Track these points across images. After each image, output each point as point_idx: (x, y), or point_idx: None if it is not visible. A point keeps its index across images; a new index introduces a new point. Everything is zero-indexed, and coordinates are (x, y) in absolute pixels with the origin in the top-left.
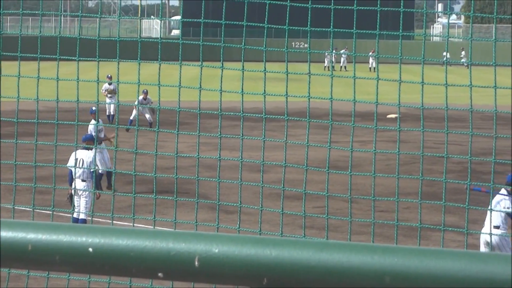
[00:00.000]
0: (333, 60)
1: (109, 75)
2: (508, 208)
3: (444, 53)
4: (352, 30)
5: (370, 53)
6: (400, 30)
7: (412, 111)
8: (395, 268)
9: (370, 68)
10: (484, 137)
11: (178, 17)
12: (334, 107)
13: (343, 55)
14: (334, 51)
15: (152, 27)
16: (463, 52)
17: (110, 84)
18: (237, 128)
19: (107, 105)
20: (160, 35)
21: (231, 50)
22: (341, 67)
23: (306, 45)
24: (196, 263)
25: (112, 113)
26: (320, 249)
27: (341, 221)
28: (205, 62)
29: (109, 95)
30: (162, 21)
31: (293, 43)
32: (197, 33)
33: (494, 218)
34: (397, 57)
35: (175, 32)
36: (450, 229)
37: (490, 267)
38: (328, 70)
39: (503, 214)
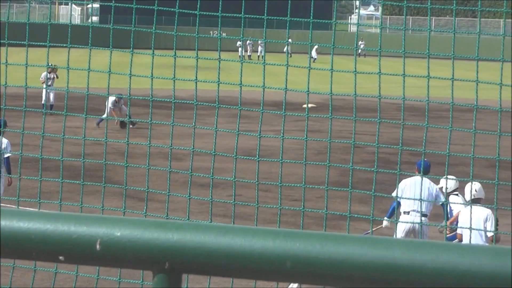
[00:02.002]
0: (249, 49)
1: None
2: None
3: (360, 43)
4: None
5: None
6: (312, 18)
7: (327, 101)
8: (296, 252)
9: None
10: (400, 128)
11: (97, 4)
12: (251, 96)
13: (261, 45)
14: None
15: (70, 14)
16: (361, 42)
17: (50, 72)
18: (155, 116)
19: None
20: (87, 22)
21: (147, 38)
22: (258, 56)
23: (224, 34)
24: (98, 246)
25: (52, 102)
26: (223, 234)
27: (252, 209)
28: (119, 49)
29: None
30: (80, 8)
31: (211, 32)
32: (115, 20)
33: (423, 206)
34: (326, 47)
35: (94, 18)
36: (356, 215)
37: (390, 252)
38: (248, 58)
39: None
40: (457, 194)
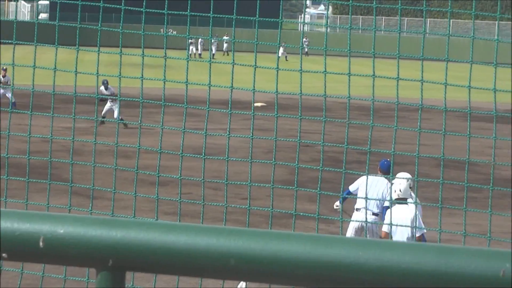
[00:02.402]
0: (200, 47)
1: (4, 67)
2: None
3: (304, 40)
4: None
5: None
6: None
7: (278, 100)
8: (240, 250)
9: (284, 57)
10: (351, 127)
11: (46, 2)
12: (202, 94)
13: (214, 42)
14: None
15: (20, 10)
16: (305, 39)
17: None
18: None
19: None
20: (28, 19)
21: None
22: (213, 54)
23: (175, 32)
24: (41, 243)
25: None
26: (167, 231)
27: (205, 209)
28: (71, 47)
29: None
30: (30, 4)
31: (161, 30)
32: (64, 18)
33: (373, 205)
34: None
35: (43, 15)
36: (301, 214)
37: (334, 250)
38: (199, 57)
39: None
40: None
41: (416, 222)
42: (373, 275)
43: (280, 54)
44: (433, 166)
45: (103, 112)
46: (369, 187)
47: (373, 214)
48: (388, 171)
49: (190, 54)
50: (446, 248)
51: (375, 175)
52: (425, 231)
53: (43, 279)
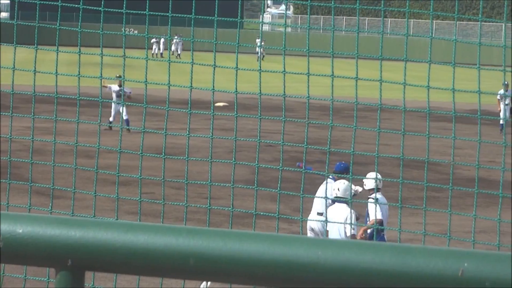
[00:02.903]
0: (161, 47)
1: None
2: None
3: (257, 40)
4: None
5: (262, 43)
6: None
7: (240, 100)
8: (199, 249)
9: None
10: (314, 127)
11: (6, 1)
12: (164, 94)
13: (179, 42)
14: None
15: None
16: (258, 40)
17: None
18: (65, 113)
19: None
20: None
21: (55, 35)
22: (178, 54)
23: (136, 31)
24: (0, 243)
25: None
26: (125, 231)
27: (167, 207)
28: (30, 46)
29: None
30: None
31: (123, 29)
32: (25, 17)
33: (319, 205)
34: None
35: (4, 14)
36: (262, 213)
37: (292, 250)
38: (160, 57)
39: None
40: (373, 198)
41: (351, 221)
42: (332, 274)
43: (259, 53)
44: (395, 165)
45: (112, 117)
46: (319, 188)
47: (318, 213)
48: (342, 172)
49: (153, 54)
50: (405, 247)
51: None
52: (354, 232)
53: (3, 279)
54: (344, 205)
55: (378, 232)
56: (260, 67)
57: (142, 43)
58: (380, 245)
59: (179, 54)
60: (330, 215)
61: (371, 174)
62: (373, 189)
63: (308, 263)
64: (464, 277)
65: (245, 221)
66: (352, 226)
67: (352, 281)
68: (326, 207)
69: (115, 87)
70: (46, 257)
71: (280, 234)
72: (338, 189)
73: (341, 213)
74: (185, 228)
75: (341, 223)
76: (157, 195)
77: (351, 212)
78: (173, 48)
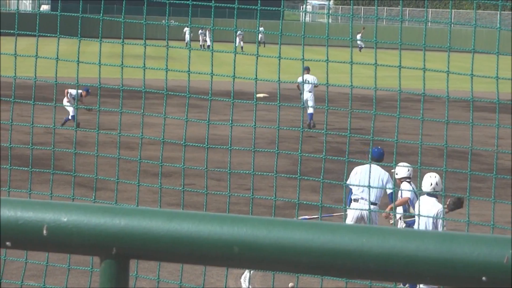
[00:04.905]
0: (201, 38)
1: None
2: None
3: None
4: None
5: (359, 36)
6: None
7: (280, 91)
8: (243, 238)
9: (360, 48)
10: (356, 118)
11: None
12: (204, 86)
13: (204, 33)
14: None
15: (21, 2)
16: (261, 28)
17: None
18: (108, 105)
19: None
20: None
21: (96, 28)
22: (208, 46)
23: (176, 22)
24: (45, 232)
25: None
26: (170, 219)
27: (208, 199)
28: (72, 37)
29: None
30: None
31: (163, 20)
32: (66, 9)
33: (372, 195)
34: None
35: (44, 7)
36: (304, 202)
37: (337, 237)
38: (205, 47)
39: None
40: (409, 182)
41: (439, 220)
42: (377, 262)
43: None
44: (436, 156)
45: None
46: (362, 176)
47: (371, 203)
48: (379, 159)
49: (201, 45)
50: (449, 235)
51: (367, 164)
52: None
53: (47, 269)
54: (434, 198)
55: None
56: (303, 56)
57: (180, 35)
58: (425, 233)
59: (209, 46)
60: (420, 207)
61: (404, 164)
62: (405, 177)
63: (353, 251)
64: (509, 264)
65: (285, 212)
66: (440, 225)
67: (397, 268)
68: (376, 197)
69: (75, 92)
70: (91, 246)
71: (324, 222)
72: (437, 184)
73: (433, 206)
74: (229, 216)
75: (426, 216)
76: (198, 186)
77: (442, 210)
78: (207, 39)
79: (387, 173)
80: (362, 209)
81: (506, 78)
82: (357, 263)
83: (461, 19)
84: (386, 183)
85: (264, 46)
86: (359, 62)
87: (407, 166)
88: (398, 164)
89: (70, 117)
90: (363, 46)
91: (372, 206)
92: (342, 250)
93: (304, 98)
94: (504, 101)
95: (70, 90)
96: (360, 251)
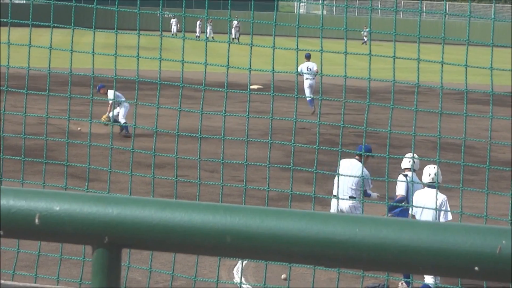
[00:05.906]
0: (198, 29)
1: None
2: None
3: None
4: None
5: (364, 30)
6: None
7: (274, 83)
8: (236, 227)
9: (364, 42)
10: (350, 110)
11: None
12: (198, 77)
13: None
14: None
15: None
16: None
17: None
18: (101, 95)
19: None
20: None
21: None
22: (233, 38)
23: (171, 14)
24: (37, 220)
25: None
26: (162, 208)
27: (200, 190)
28: (67, 26)
29: None
30: None
31: (160, 10)
32: None
33: (351, 189)
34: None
35: None
36: (297, 193)
37: (329, 227)
38: (197, 39)
39: (358, 185)
40: (405, 175)
41: (442, 210)
42: (370, 252)
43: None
44: (429, 148)
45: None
46: (344, 171)
47: (350, 198)
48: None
49: (197, 36)
50: (443, 225)
51: (350, 159)
52: (450, 218)
53: (39, 259)
54: (435, 190)
55: (402, 210)
56: (297, 46)
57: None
58: (418, 223)
59: (213, 37)
60: (420, 199)
61: (409, 155)
62: (407, 168)
63: (346, 241)
64: (502, 254)
65: (279, 203)
66: (444, 213)
67: (390, 258)
68: (361, 189)
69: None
70: (83, 235)
71: (317, 212)
72: (432, 174)
73: (433, 198)
74: (222, 206)
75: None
76: (191, 178)
77: (445, 200)
78: (208, 30)
79: (366, 171)
80: (341, 204)
81: (500, 69)
82: (350, 253)
83: (455, 12)
84: (366, 179)
85: (239, 41)
86: (353, 53)
87: (409, 158)
88: (403, 156)
89: (123, 126)
90: (366, 40)
91: (350, 201)
92: (335, 240)
93: (306, 85)
94: (499, 93)
95: (109, 95)
96: (353, 241)
